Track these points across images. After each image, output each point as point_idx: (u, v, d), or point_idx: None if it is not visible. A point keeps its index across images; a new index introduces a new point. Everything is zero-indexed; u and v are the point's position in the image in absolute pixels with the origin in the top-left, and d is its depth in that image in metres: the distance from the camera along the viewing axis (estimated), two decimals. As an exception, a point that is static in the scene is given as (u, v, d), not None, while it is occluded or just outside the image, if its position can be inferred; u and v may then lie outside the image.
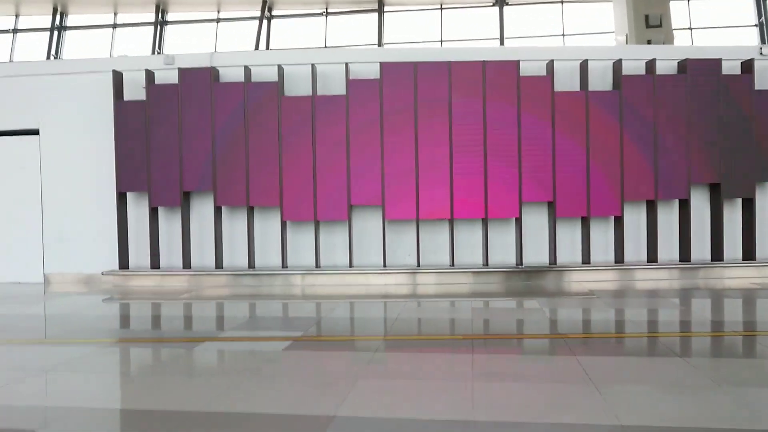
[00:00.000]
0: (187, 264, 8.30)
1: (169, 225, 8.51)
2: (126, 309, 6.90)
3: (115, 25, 21.48)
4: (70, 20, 21.66)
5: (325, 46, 19.97)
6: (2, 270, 8.82)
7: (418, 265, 8.07)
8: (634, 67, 8.07)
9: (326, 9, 21.13)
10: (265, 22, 19.90)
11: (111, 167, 8.54)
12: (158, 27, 21.08)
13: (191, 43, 21.06)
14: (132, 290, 7.97)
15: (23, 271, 8.79)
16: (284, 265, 8.19)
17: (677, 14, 18.30)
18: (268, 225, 8.39)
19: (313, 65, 8.07)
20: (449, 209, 7.97)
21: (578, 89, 8.15)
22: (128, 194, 8.44)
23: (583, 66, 8.06)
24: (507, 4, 20.47)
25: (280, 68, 8.10)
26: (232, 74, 8.30)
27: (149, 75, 8.24)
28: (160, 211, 8.46)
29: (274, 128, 8.07)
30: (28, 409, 3.23)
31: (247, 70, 8.14)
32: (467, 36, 20.35)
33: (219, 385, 3.55)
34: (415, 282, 7.93)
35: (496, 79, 7.93)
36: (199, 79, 8.13)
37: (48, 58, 20.62)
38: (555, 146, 7.94)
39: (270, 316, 6.20)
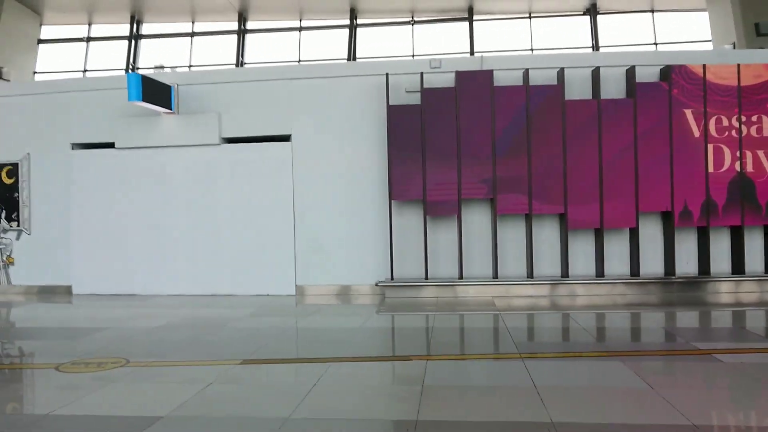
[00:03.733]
0: (460, 274, 7.97)
1: (433, 233, 8.17)
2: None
3: (193, 34, 21.08)
4: (144, 29, 21.23)
5: (413, 56, 19.81)
6: (251, 282, 8.41)
7: (706, 274, 7.84)
8: None
9: (412, 17, 20.93)
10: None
11: (367, 174, 8.24)
12: (240, 36, 20.75)
13: (269, 52, 20.76)
14: (409, 303, 7.60)
15: (274, 283, 8.38)
16: (565, 275, 7.91)
17: None
18: (539, 233, 8.09)
19: (597, 68, 7.84)
20: (739, 215, 7.76)
21: None
22: (393, 202, 8.10)
23: None
24: (599, 12, 20.43)
25: (561, 71, 7.85)
26: (501, 77, 8.03)
27: (421, 79, 7.94)
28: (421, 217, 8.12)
29: (558, 133, 7.81)
30: None
31: (526, 73, 7.88)
32: (556, 45, 20.29)
33: None
34: (706, 291, 7.69)
35: (784, 82, 7.77)
36: (478, 83, 7.85)
37: (127, 67, 20.15)
38: (844, 150, 7.78)
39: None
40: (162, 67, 16.25)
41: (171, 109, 8.40)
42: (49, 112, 8.86)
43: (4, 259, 8.94)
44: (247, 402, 3.62)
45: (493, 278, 7.94)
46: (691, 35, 20.02)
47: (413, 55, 19.74)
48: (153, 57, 20.76)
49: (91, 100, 8.74)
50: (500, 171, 7.83)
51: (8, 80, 16.53)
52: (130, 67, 20.26)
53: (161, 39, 21.32)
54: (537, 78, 8.01)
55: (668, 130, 7.75)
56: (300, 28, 21.00)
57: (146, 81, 7.81)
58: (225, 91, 8.54)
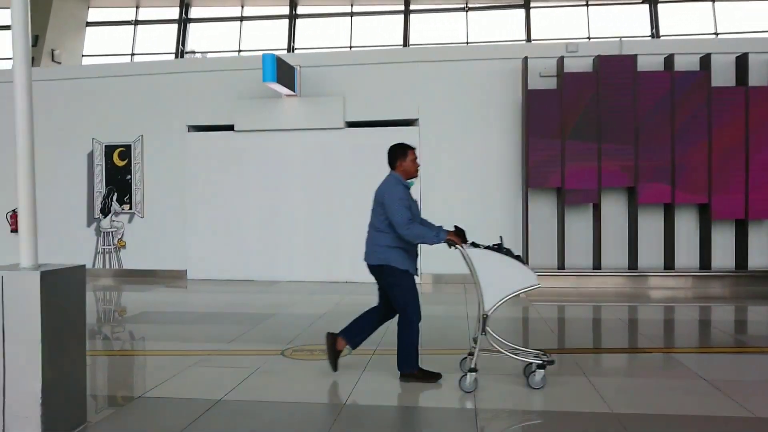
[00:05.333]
0: (596, 265, 7.77)
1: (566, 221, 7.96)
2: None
3: (242, 18, 20.75)
4: (193, 12, 20.92)
5: (467, 43, 19.41)
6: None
7: None
8: None
9: (467, 3, 20.52)
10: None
11: (497, 160, 8.06)
12: (292, 21, 20.44)
13: (320, 38, 20.41)
14: (548, 293, 7.38)
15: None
16: (705, 266, 7.69)
17: None
18: (676, 223, 7.85)
19: (744, 54, 7.59)
20: None
21: None
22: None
23: None
24: (659, 1, 19.98)
25: (707, 57, 7.60)
26: (640, 62, 7.77)
27: (561, 63, 7.70)
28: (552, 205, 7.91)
29: (703, 121, 7.57)
30: None
31: (670, 59, 7.63)
32: (615, 33, 19.81)
33: None
34: None
35: None
36: (621, 68, 7.61)
37: (177, 51, 19.87)
38: None
39: None
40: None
41: (294, 91, 8.19)
42: (165, 93, 8.65)
43: (116, 242, 8.78)
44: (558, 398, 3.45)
45: (630, 269, 7.74)
46: (752, 24, 19.57)
47: (467, 42, 19.38)
48: (201, 41, 20.45)
49: (209, 81, 8.53)
50: (642, 159, 7.59)
51: (59, 62, 16.33)
52: (180, 51, 19.98)
53: (210, 23, 21.01)
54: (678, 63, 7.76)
55: (819, 119, 7.49)
56: (351, 14, 20.65)
57: (279, 62, 7.59)
58: (348, 74, 8.32)
